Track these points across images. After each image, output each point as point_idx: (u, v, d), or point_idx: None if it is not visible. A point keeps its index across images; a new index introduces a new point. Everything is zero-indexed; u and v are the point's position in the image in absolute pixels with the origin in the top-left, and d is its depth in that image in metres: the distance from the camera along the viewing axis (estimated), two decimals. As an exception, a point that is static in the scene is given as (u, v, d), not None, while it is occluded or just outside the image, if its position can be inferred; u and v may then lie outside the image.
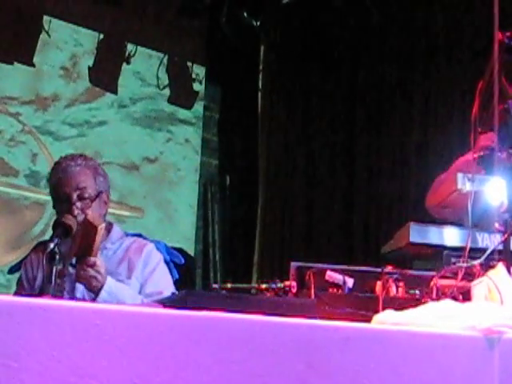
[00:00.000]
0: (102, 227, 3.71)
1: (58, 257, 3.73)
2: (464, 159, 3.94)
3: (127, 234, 4.31)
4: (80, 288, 3.94)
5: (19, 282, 4.25)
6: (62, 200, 4.06)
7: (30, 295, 3.90)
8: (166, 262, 4.23)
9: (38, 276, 4.07)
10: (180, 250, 4.49)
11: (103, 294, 3.74)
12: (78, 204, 4.03)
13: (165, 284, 4.03)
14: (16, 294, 4.20)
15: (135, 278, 4.05)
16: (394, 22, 8.30)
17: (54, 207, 4.18)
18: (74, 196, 4.04)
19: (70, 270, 4.00)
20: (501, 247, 3.41)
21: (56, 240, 3.71)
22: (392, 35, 8.33)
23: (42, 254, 3.89)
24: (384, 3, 8.31)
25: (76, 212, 4.00)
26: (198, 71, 9.15)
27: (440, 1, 7.89)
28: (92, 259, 3.69)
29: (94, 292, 3.77)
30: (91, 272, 3.72)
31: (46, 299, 2.99)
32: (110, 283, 3.79)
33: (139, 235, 4.35)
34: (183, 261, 4.37)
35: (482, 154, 3.62)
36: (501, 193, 3.52)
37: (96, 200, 4.10)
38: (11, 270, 4.40)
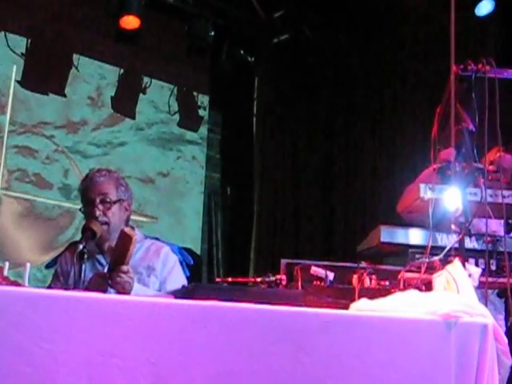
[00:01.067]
0: (135, 238, 3.69)
1: (86, 256, 3.74)
2: (427, 172, 3.94)
3: (146, 237, 4.30)
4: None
5: (55, 275, 4.25)
6: (87, 203, 4.07)
7: (65, 288, 3.90)
8: (180, 262, 4.23)
9: (70, 271, 4.06)
10: (189, 250, 4.49)
11: (131, 295, 3.74)
12: (100, 206, 4.03)
13: (181, 281, 4.01)
14: (51, 285, 4.20)
15: (154, 277, 4.04)
16: (367, 54, 8.32)
17: (82, 211, 4.20)
18: (97, 200, 4.04)
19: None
20: (457, 245, 3.42)
21: (84, 242, 3.72)
22: (365, 67, 8.35)
23: (74, 253, 3.91)
24: (355, 40, 8.34)
25: (98, 213, 4.01)
26: (203, 100, 9.16)
27: (408, 42, 7.90)
28: (125, 267, 3.67)
29: (125, 294, 3.76)
30: (125, 278, 3.70)
31: (77, 292, 2.99)
32: (136, 287, 3.78)
33: (157, 238, 4.34)
34: (193, 262, 4.36)
35: (441, 166, 3.63)
36: (456, 200, 3.53)
37: (116, 205, 4.10)
38: (48, 266, 4.39)
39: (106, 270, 3.96)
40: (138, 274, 3.91)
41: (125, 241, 3.60)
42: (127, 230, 3.69)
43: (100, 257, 4.10)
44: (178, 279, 4.08)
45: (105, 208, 4.06)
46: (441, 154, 3.75)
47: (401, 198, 4.07)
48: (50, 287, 4.20)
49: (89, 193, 4.09)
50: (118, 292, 3.73)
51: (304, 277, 3.39)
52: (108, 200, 4.08)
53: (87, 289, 3.65)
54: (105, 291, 3.75)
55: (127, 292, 3.74)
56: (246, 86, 9.30)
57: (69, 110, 8.26)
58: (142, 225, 7.90)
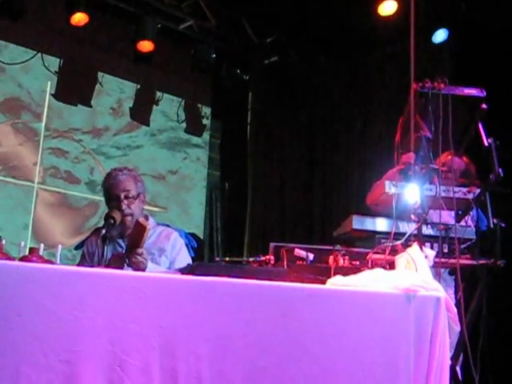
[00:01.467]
0: (149, 228, 3.70)
1: (108, 240, 3.74)
2: (391, 172, 3.95)
3: (158, 224, 4.29)
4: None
5: (82, 255, 4.23)
6: (113, 199, 4.02)
7: (90, 266, 3.90)
8: (186, 245, 4.22)
9: (95, 252, 4.06)
10: (193, 234, 4.47)
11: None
12: (125, 201, 4.01)
13: (187, 261, 4.00)
14: (79, 264, 4.19)
15: (165, 257, 4.02)
16: (342, 73, 8.33)
17: (107, 204, 4.14)
18: (122, 196, 4.02)
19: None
20: (416, 232, 3.43)
21: (106, 228, 3.71)
22: (340, 84, 8.36)
23: (98, 237, 3.91)
24: (332, 62, 8.34)
25: (124, 207, 3.98)
26: (206, 110, 9.14)
27: (376, 63, 7.91)
28: (140, 250, 3.66)
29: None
30: (140, 259, 3.69)
31: (100, 269, 2.99)
32: (149, 266, 3.78)
33: (167, 225, 4.33)
34: (196, 244, 4.36)
35: (403, 167, 3.63)
36: (415, 195, 3.54)
37: (137, 199, 4.10)
38: (76, 247, 4.38)
39: (124, 251, 3.97)
40: (151, 254, 3.90)
41: (140, 229, 3.61)
42: (142, 220, 3.69)
43: (121, 241, 4.09)
44: (185, 259, 4.08)
45: (129, 202, 4.03)
46: (403, 157, 3.76)
47: (369, 193, 4.08)
48: (78, 265, 4.21)
49: (113, 190, 4.05)
50: (135, 270, 3.73)
51: (289, 257, 3.38)
52: (131, 195, 4.05)
53: (108, 266, 3.65)
54: (121, 268, 3.75)
55: (142, 270, 3.74)
56: (242, 99, 9.29)
57: (94, 118, 8.25)
58: (154, 214, 7.88)
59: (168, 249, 4.09)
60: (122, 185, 4.06)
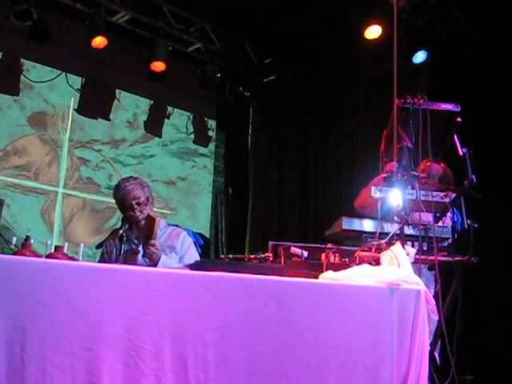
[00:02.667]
0: (159, 219, 3.73)
1: (124, 239, 3.74)
2: (376, 179, 3.95)
3: (169, 224, 4.30)
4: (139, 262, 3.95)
5: (101, 254, 4.24)
6: (127, 208, 4.05)
7: (108, 262, 3.91)
8: (194, 243, 4.22)
9: (113, 250, 4.06)
10: (200, 234, 4.46)
11: (159, 265, 3.74)
12: (138, 208, 4.02)
13: (195, 257, 4.00)
14: (99, 261, 4.20)
15: (175, 254, 4.02)
16: (333, 91, 8.33)
17: (122, 212, 4.18)
18: (134, 204, 4.03)
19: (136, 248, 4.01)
20: (398, 232, 3.43)
21: (123, 228, 3.71)
22: (331, 100, 8.36)
23: (115, 237, 3.91)
24: (324, 81, 8.35)
25: (137, 213, 4.01)
26: (212, 123, 9.13)
27: (363, 82, 7.92)
28: (153, 241, 3.68)
29: (154, 264, 3.76)
30: (152, 249, 3.70)
31: (117, 264, 2.99)
32: (162, 258, 3.78)
33: (177, 225, 4.33)
34: (203, 242, 4.36)
35: (387, 175, 3.63)
36: (398, 198, 3.54)
37: (147, 203, 4.11)
38: (97, 247, 4.39)
39: (140, 248, 3.98)
40: (163, 251, 3.90)
41: (150, 222, 3.64)
42: (152, 213, 3.71)
43: (136, 241, 4.09)
44: (193, 256, 4.08)
45: (141, 208, 4.04)
46: (387, 165, 3.76)
47: (357, 197, 4.08)
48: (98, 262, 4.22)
49: (125, 200, 4.07)
50: (149, 260, 3.74)
51: (286, 254, 3.38)
52: (141, 201, 4.06)
53: (124, 262, 3.66)
54: (135, 263, 3.76)
55: (155, 261, 3.75)
56: (243, 113, 9.28)
57: (112, 130, 8.24)
58: (166, 216, 7.88)
59: (178, 246, 4.09)
60: (131, 194, 4.07)
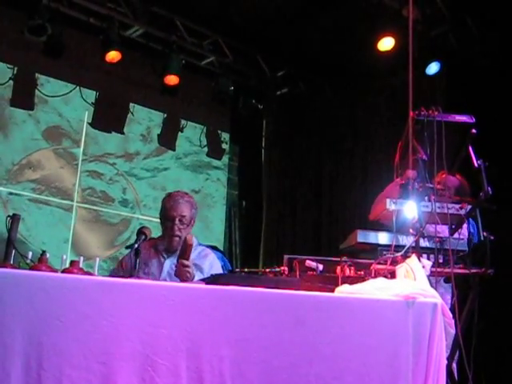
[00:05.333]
0: (192, 244, 3.66)
1: (139, 253, 3.71)
2: (392, 184, 3.94)
3: (200, 244, 4.23)
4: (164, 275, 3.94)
5: (119, 263, 4.18)
6: (168, 219, 4.01)
7: (123, 276, 3.89)
8: (221, 267, 4.15)
9: (128, 264, 4.03)
10: (215, 247, 4.42)
11: None
12: (178, 225, 3.98)
13: None
14: (114, 270, 4.19)
15: (200, 273, 3.87)
16: (346, 103, 8.35)
17: (160, 220, 4.12)
18: (177, 219, 3.99)
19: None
20: (414, 245, 3.42)
21: (138, 242, 3.65)
22: (345, 112, 8.38)
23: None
24: (337, 93, 8.36)
25: (175, 229, 3.98)
26: (225, 136, 9.16)
27: (377, 93, 7.92)
28: (186, 262, 3.63)
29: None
30: (184, 270, 3.65)
31: (133, 279, 3.00)
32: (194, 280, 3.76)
33: (210, 246, 4.27)
34: (230, 267, 4.31)
35: (405, 182, 3.63)
36: (413, 211, 3.53)
37: (189, 225, 4.07)
38: (127, 247, 4.31)
39: (165, 263, 3.98)
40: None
41: (186, 245, 3.63)
42: (189, 237, 3.68)
43: (164, 254, 4.05)
44: None
45: (181, 226, 4.01)
46: (407, 172, 3.74)
47: (373, 205, 4.06)
48: (113, 271, 4.20)
49: (171, 211, 4.02)
50: (181, 280, 3.69)
51: (301, 268, 3.37)
52: (185, 220, 4.03)
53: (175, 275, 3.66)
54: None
55: (187, 280, 3.70)
56: (257, 126, 9.30)
57: (126, 144, 8.29)
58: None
59: (205, 268, 4.03)
60: (179, 209, 4.03)
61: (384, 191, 4.12)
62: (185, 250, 3.66)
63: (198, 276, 3.94)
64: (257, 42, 7.92)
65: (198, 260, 4.02)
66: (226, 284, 2.64)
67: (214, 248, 4.31)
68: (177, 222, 4.00)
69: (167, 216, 4.05)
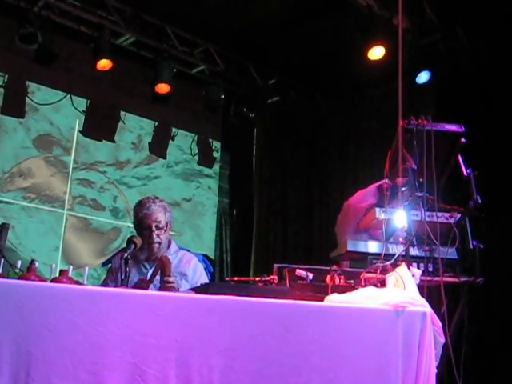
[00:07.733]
0: (171, 263, 3.66)
1: (130, 262, 3.69)
2: (371, 186, 3.99)
3: (180, 248, 4.24)
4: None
5: (109, 270, 4.14)
6: (145, 228, 3.99)
7: (115, 281, 3.89)
8: (204, 269, 4.15)
9: (120, 268, 3.99)
10: (206, 256, 4.42)
11: None
12: (156, 232, 3.97)
13: None
14: (106, 278, 4.16)
15: (185, 281, 3.92)
16: (337, 112, 8.37)
17: (136, 230, 4.08)
18: (153, 226, 3.98)
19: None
20: (403, 253, 3.43)
21: (128, 251, 3.64)
22: (335, 121, 8.40)
23: (122, 257, 3.83)
24: (327, 101, 8.39)
25: (154, 237, 3.97)
26: (216, 145, 9.18)
27: (366, 102, 7.96)
28: (170, 279, 3.61)
29: None
30: (170, 286, 3.60)
31: (123, 289, 2.99)
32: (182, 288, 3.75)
33: (188, 250, 4.28)
34: (213, 269, 4.30)
35: (380, 184, 3.66)
36: (403, 220, 3.54)
37: (166, 229, 4.06)
38: (103, 264, 4.31)
39: (149, 273, 3.94)
40: (174, 277, 3.86)
41: (165, 264, 3.61)
42: (164, 257, 3.67)
43: (146, 263, 4.04)
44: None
45: (159, 232, 4.00)
46: (397, 180, 3.74)
47: (363, 217, 4.06)
48: (105, 280, 4.17)
49: (146, 220, 3.99)
50: None
51: (291, 277, 3.37)
52: (161, 226, 4.01)
53: (133, 287, 3.62)
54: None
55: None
56: (248, 134, 9.30)
57: (117, 152, 8.29)
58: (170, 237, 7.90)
59: (189, 274, 4.02)
60: (153, 216, 4.01)
61: (362, 192, 4.15)
62: (164, 269, 3.64)
63: (184, 283, 3.94)
64: (248, 50, 7.94)
65: (181, 268, 4.02)
66: (216, 293, 2.63)
67: (188, 251, 4.29)
68: (153, 228, 3.99)
69: (142, 225, 4.02)
